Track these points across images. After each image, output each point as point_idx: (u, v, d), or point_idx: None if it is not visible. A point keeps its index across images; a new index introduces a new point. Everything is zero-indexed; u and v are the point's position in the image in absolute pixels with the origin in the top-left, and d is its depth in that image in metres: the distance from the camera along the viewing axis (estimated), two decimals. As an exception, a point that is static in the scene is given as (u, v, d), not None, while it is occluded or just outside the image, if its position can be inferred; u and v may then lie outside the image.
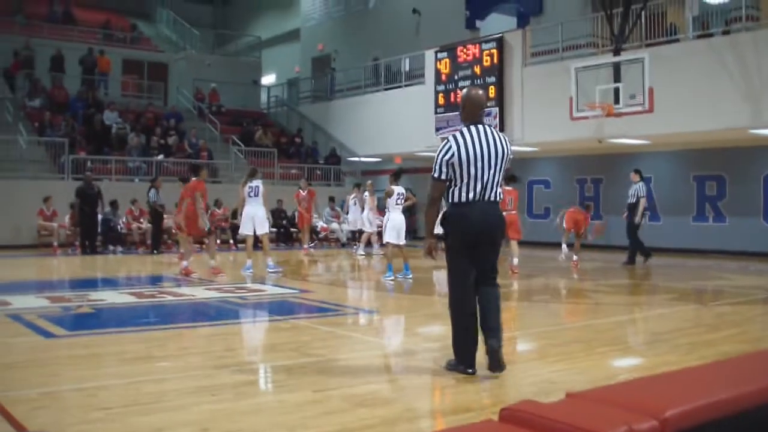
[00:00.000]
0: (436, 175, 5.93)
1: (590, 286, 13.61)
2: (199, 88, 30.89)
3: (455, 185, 5.92)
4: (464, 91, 6.31)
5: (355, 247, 18.61)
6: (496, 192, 5.95)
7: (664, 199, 20.78)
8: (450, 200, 6.01)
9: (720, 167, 19.79)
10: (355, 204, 19.07)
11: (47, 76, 27.31)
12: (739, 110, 16.40)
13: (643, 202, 16.38)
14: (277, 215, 21.83)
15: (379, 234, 16.43)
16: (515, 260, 14.50)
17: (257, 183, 14.50)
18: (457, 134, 5.96)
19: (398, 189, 13.83)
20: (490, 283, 6.02)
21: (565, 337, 7.84)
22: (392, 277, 13.14)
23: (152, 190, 19.63)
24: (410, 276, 13.25)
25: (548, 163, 24.22)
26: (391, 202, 13.74)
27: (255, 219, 14.50)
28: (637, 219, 16.31)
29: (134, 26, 34.85)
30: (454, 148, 5.86)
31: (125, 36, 33.34)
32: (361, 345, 7.55)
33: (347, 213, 21.59)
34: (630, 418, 2.04)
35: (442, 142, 6.02)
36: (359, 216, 19.55)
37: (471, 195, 5.88)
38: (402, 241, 13.70)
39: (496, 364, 5.82)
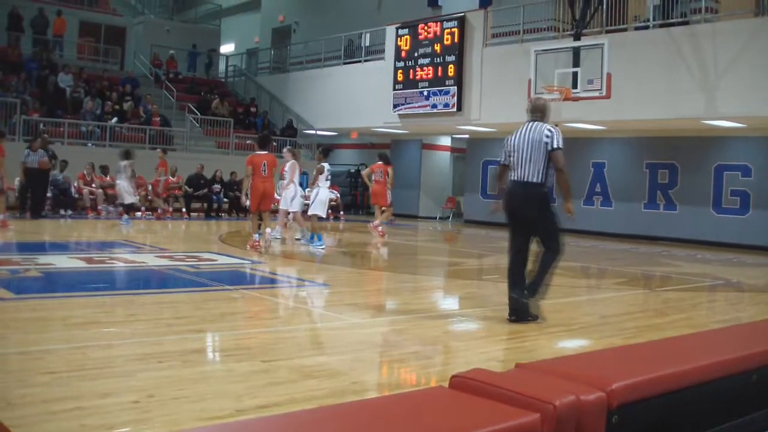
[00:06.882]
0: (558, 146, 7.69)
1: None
2: (156, 54, 30.44)
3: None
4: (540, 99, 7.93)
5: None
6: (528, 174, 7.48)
7: (617, 185, 21.03)
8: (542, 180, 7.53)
9: (673, 156, 20.05)
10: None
11: (2, 35, 26.61)
12: (694, 100, 16.60)
13: None
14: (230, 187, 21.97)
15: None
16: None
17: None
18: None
19: (327, 166, 14.67)
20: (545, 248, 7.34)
21: (515, 316, 7.88)
22: (323, 246, 13.87)
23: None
24: (322, 246, 13.92)
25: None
26: (321, 178, 14.41)
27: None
28: None
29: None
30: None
31: (83, -2, 32.67)
32: (310, 317, 7.55)
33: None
34: (578, 388, 2.07)
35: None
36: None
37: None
38: (324, 215, 15.24)
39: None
